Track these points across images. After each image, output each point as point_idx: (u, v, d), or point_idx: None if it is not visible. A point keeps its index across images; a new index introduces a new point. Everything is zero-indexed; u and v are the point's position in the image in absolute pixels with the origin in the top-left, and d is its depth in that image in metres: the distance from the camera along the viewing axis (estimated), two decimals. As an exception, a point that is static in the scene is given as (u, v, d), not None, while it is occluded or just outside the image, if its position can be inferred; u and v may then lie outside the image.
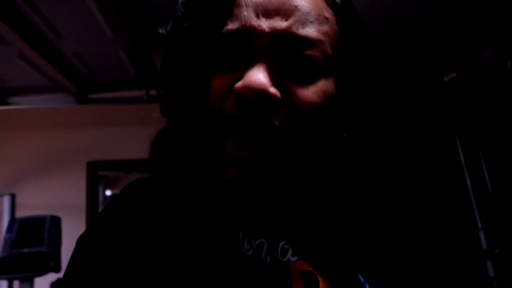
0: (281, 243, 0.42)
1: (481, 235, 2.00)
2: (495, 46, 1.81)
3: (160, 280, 0.36)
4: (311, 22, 0.38)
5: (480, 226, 2.02)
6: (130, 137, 2.81)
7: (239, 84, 0.35)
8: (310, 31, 0.37)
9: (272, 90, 0.35)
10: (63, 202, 2.69)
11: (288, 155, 0.38)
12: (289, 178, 0.41)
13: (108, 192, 4.19)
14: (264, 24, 0.37)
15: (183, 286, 0.35)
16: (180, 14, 0.42)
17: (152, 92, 2.37)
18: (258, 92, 0.35)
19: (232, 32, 0.37)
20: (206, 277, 0.36)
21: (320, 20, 0.38)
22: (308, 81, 0.38)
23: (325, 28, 0.39)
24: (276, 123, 0.36)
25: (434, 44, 1.97)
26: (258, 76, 0.35)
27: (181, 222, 0.39)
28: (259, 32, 0.37)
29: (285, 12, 0.37)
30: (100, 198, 3.29)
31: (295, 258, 0.42)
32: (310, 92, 0.37)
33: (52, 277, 2.08)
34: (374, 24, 1.78)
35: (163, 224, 0.39)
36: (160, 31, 0.44)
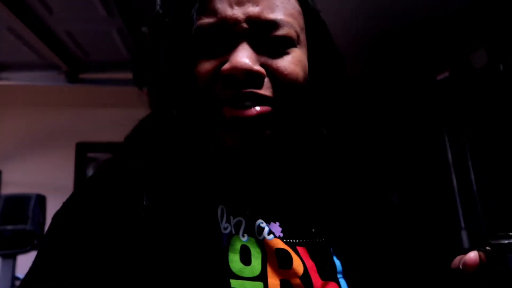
0: (258, 222, 0.43)
1: (463, 234, 2.03)
2: (488, 47, 1.82)
3: (134, 258, 0.36)
4: (278, 6, 0.42)
5: (463, 225, 2.04)
6: (121, 119, 2.75)
7: (226, 66, 0.39)
8: (278, 14, 0.42)
9: (257, 67, 0.40)
10: (50, 182, 2.66)
11: (280, 120, 0.42)
12: (278, 146, 0.45)
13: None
14: (238, 12, 0.41)
15: (158, 264, 0.36)
16: (159, 11, 0.46)
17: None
18: (245, 71, 0.39)
19: (211, 25, 0.41)
20: (182, 255, 0.37)
21: (285, 3, 0.43)
22: (284, 54, 0.42)
23: (290, 9, 0.44)
24: (263, 92, 0.41)
25: (429, 44, 1.98)
26: (243, 57, 0.39)
27: (161, 199, 0.40)
28: (235, 20, 0.41)
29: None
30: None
31: (271, 236, 0.43)
32: (287, 62, 0.42)
33: (35, 255, 2.08)
34: (370, 23, 1.78)
35: (141, 200, 0.40)
36: (143, 30, 0.48)
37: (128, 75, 2.38)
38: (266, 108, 0.40)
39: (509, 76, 1.75)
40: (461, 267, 0.36)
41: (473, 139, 2.02)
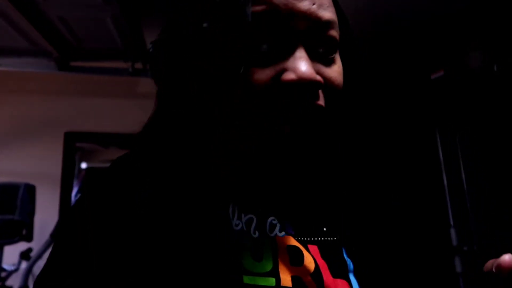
0: (270, 219, 0.43)
1: (452, 232, 2.07)
2: (483, 49, 1.84)
3: (147, 256, 0.36)
4: (328, 6, 0.40)
5: (452, 223, 2.08)
6: (111, 110, 2.74)
7: (290, 76, 0.37)
8: (330, 13, 0.40)
9: (318, 77, 0.38)
10: (37, 171, 2.61)
11: (326, 132, 0.41)
12: (313, 153, 0.43)
13: (83, 165, 4.07)
14: (297, 7, 0.38)
15: (171, 261, 0.36)
16: (196, 17, 0.41)
17: (138, 65, 2.30)
18: (309, 82, 0.37)
19: (260, 13, 0.37)
20: (195, 252, 0.37)
21: (330, 3, 0.41)
22: (331, 61, 0.41)
23: (334, 9, 0.42)
24: (321, 103, 0.39)
25: (425, 43, 1.99)
26: (306, 66, 0.37)
27: (172, 198, 0.40)
28: (292, 13, 0.37)
29: None
30: (76, 170, 3.22)
31: (282, 233, 0.43)
32: (336, 73, 0.41)
33: (22, 246, 2.04)
34: (367, 21, 1.78)
35: (153, 198, 0.39)
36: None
37: (120, 64, 2.34)
38: (314, 126, 0.39)
39: (503, 77, 1.77)
40: (494, 270, 0.35)
41: (464, 139, 2.05)
